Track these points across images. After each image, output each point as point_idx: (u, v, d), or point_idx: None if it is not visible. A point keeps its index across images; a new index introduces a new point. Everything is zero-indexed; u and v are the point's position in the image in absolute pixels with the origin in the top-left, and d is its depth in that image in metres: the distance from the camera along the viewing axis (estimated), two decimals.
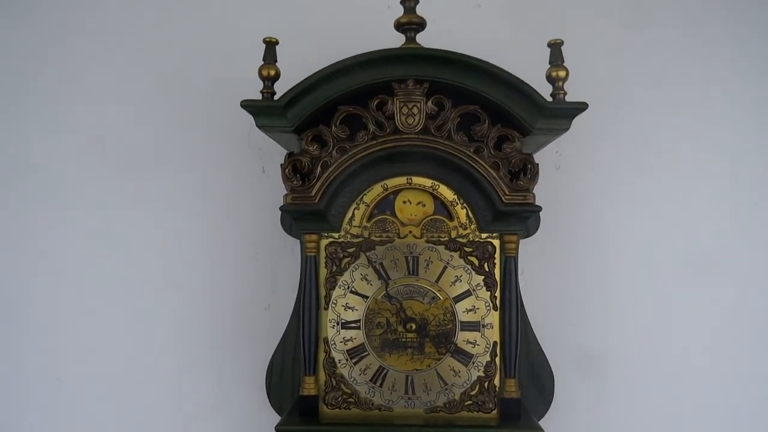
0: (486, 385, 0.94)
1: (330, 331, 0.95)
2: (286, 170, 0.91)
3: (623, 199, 1.19)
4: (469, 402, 0.94)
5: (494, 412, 0.94)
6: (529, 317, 1.09)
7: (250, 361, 1.18)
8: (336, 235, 0.95)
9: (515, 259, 0.94)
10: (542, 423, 1.10)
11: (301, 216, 0.93)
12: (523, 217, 0.92)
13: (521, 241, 1.08)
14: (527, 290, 1.13)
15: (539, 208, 0.91)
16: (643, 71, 1.21)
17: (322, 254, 0.95)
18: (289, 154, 0.93)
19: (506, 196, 0.91)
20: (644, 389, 1.17)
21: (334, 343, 0.94)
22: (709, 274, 1.17)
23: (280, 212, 1.09)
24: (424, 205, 0.96)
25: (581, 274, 1.19)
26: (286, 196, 0.93)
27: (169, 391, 1.19)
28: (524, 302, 1.10)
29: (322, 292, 0.95)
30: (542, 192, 1.10)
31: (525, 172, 0.92)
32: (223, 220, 1.21)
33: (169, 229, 1.21)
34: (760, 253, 1.18)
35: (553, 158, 1.20)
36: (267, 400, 1.09)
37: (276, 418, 0.97)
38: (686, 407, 1.16)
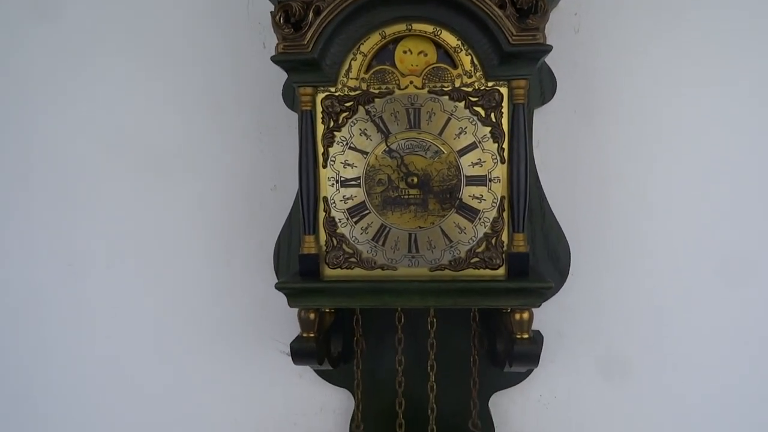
0: (493, 241, 0.90)
1: (329, 190, 0.91)
2: (277, 17, 0.86)
3: (647, 66, 1.09)
4: (476, 259, 0.90)
5: (502, 268, 0.90)
6: (545, 191, 1.04)
7: (257, 243, 1.15)
8: (332, 88, 0.90)
9: (524, 107, 0.87)
10: (557, 298, 1.06)
11: (294, 66, 0.88)
12: (532, 59, 0.85)
13: (536, 110, 1.02)
14: (544, 166, 1.07)
15: (549, 48, 0.84)
16: None
17: (318, 109, 0.90)
18: (280, 1, 0.87)
19: (513, 37, 0.84)
20: (663, 272, 1.10)
21: (334, 202, 0.91)
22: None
23: (282, 89, 1.05)
24: (425, 55, 0.90)
25: (601, 147, 1.11)
26: (277, 46, 0.87)
27: (177, 277, 1.18)
28: (541, 179, 1.04)
29: (320, 149, 0.91)
30: (559, 57, 1.03)
31: (535, 10, 0.84)
32: (225, 101, 1.17)
33: (170, 113, 1.18)
34: None
35: (571, 21, 1.11)
36: (275, 279, 1.07)
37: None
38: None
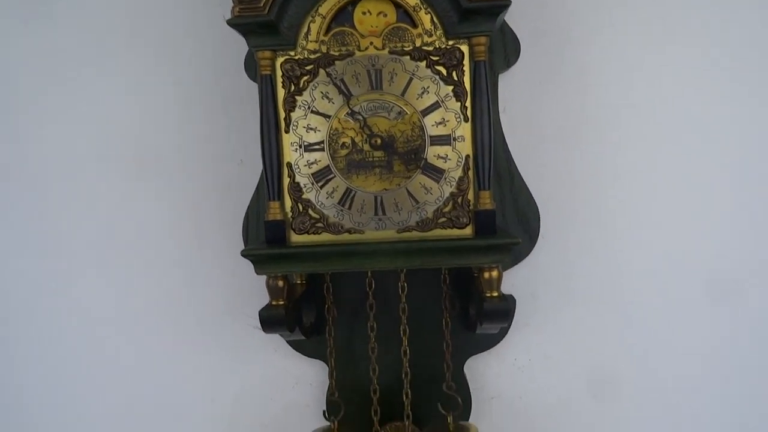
0: (459, 200, 0.90)
1: (293, 155, 0.90)
2: None
3: (615, 28, 1.09)
4: (443, 219, 0.90)
5: (469, 227, 0.90)
6: (513, 157, 1.04)
7: (227, 220, 1.14)
8: (292, 52, 0.89)
9: (485, 63, 0.87)
10: (529, 260, 1.07)
11: (251, 29, 0.86)
12: (491, 14, 0.85)
13: (500, 75, 1.02)
14: (511, 130, 1.07)
15: (508, 2, 0.84)
16: None
17: (278, 73, 0.89)
18: None
19: None
20: (631, 232, 1.11)
21: (298, 167, 0.90)
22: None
23: (243, 61, 1.04)
24: (385, 15, 0.89)
25: (567, 110, 1.11)
26: (233, 9, 0.86)
27: (145, 257, 1.16)
28: (508, 143, 1.04)
29: (282, 114, 0.90)
30: (523, 20, 1.03)
31: None
32: (186, 76, 1.15)
33: (131, 93, 1.15)
34: None
35: None
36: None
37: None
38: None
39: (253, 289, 1.08)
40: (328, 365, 1.04)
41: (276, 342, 1.10)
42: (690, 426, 1.10)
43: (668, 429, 1.11)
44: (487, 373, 1.13)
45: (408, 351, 0.99)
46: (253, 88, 1.06)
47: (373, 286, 0.98)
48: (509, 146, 1.04)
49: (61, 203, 1.15)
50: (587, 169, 1.11)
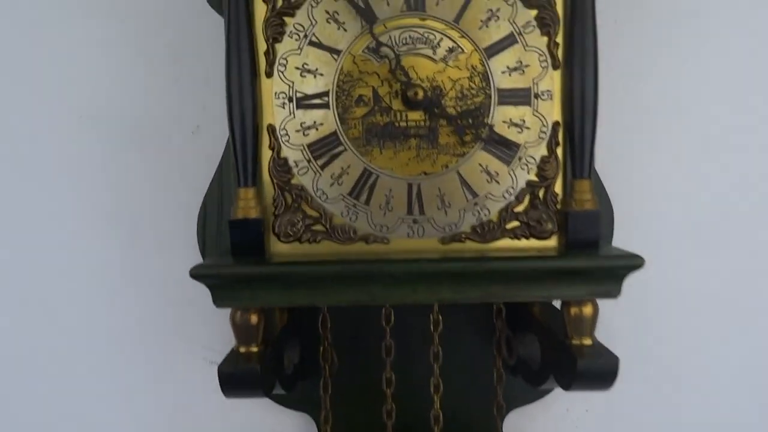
0: (541, 194, 0.57)
1: (278, 113, 0.55)
2: None
3: None
4: (514, 223, 0.57)
5: (554, 237, 0.56)
6: None
7: (175, 211, 0.79)
8: None
9: None
10: None
11: None
12: None
13: None
14: None
15: None
16: None
17: None
18: None
19: None
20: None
21: (286, 134, 0.55)
22: None
23: None
24: None
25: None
26: None
27: (66, 262, 0.80)
28: None
29: (261, 45, 0.55)
30: None
31: None
32: (119, 7, 0.78)
33: (48, 24, 0.78)
34: None
35: None
36: (201, 258, 0.72)
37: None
38: None
39: (211, 309, 0.73)
40: (319, 430, 0.71)
41: None
42: None
43: None
44: (530, 427, 0.81)
45: (441, 416, 0.66)
46: (217, 24, 0.71)
47: (392, 320, 0.65)
48: None
49: None
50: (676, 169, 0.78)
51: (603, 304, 0.57)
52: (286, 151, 0.56)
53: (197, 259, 0.71)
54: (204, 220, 0.72)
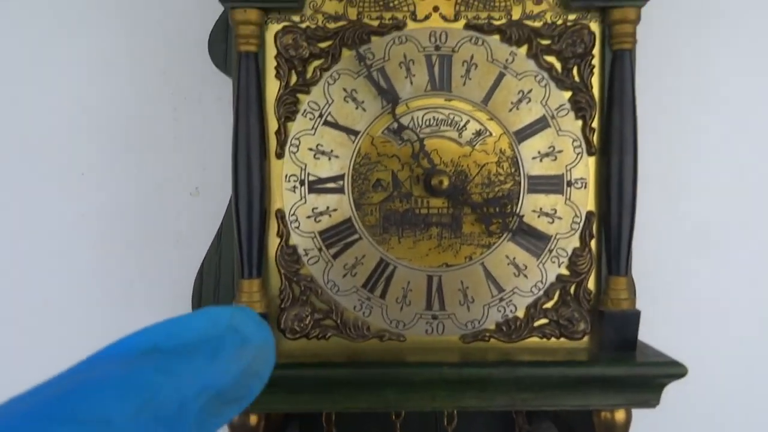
0: (572, 290, 0.52)
1: (288, 198, 0.50)
2: None
3: None
4: (543, 321, 0.52)
5: (587, 337, 0.51)
6: None
7: (170, 280, 0.74)
8: (296, 16, 0.50)
9: (631, 55, 0.50)
10: None
11: None
12: None
13: None
14: None
15: None
16: None
17: (271, 52, 0.50)
18: None
19: None
20: None
21: (296, 219, 0.50)
22: None
23: (208, 40, 0.63)
24: None
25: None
26: None
27: (49, 330, 0.75)
28: None
29: (272, 123, 0.50)
30: None
31: None
32: (120, 60, 0.74)
33: (42, 77, 0.74)
34: None
35: None
36: None
37: None
38: None
39: None
40: None
41: None
42: None
43: None
44: None
45: None
46: (221, 82, 0.67)
47: (403, 413, 0.59)
48: None
49: None
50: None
51: None
52: (295, 239, 0.51)
53: None
54: (200, 289, 0.66)
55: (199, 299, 0.66)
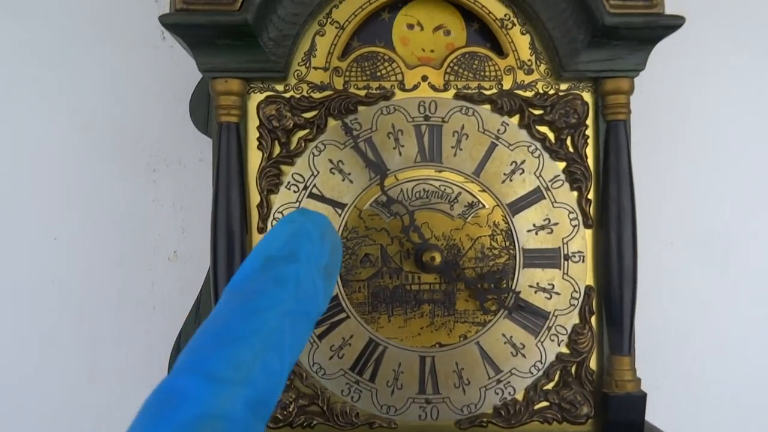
0: (574, 370, 0.49)
1: None
2: None
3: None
4: (544, 404, 0.48)
5: (590, 422, 0.48)
6: None
7: (145, 345, 0.70)
8: (279, 85, 0.48)
9: (626, 125, 0.48)
10: None
11: (206, 37, 0.45)
12: (644, 40, 0.47)
13: None
14: None
15: (680, 21, 0.46)
16: None
17: (253, 122, 0.48)
18: None
19: (612, 1, 0.45)
20: None
21: None
22: None
23: (189, 101, 0.61)
24: (448, 33, 0.50)
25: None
26: None
27: (41, 385, 0.70)
28: None
29: (254, 196, 0.48)
30: None
31: None
32: (100, 122, 0.72)
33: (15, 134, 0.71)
34: None
35: None
36: None
37: None
38: None
39: None
40: None
41: None
42: None
43: None
44: None
45: None
46: (201, 143, 0.65)
47: None
48: None
49: None
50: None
51: None
52: None
53: None
54: (177, 356, 0.62)
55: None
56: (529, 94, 0.50)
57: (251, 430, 0.26)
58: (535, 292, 0.49)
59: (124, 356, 0.70)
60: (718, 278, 0.68)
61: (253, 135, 0.48)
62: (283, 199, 0.48)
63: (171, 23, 0.44)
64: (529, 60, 0.50)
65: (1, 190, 0.70)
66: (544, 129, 0.50)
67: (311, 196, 0.48)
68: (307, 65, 0.49)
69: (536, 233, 0.49)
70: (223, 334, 0.28)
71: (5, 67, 0.70)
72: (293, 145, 0.48)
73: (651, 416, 0.49)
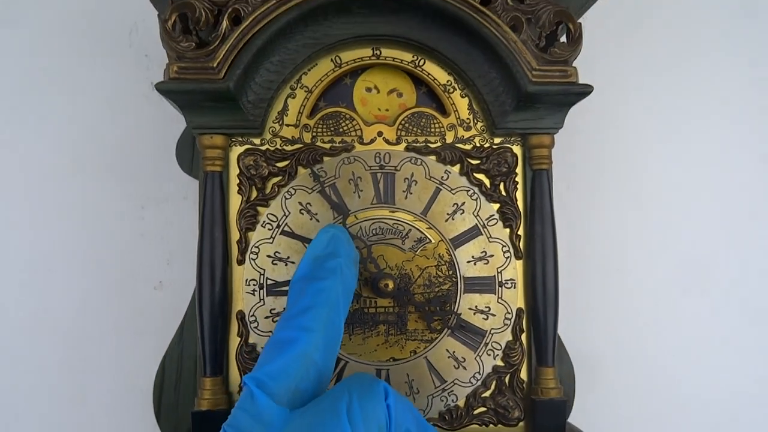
0: (507, 380, 0.57)
1: (248, 300, 0.56)
2: (169, 24, 0.53)
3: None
4: (481, 409, 0.57)
5: (521, 424, 0.57)
6: None
7: (131, 370, 0.76)
8: (257, 139, 0.57)
9: (548, 173, 0.58)
10: None
11: (195, 101, 0.54)
12: (563, 102, 0.57)
13: None
14: None
15: (588, 89, 0.56)
16: None
17: (233, 171, 0.56)
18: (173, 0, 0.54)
19: (534, 72, 0.55)
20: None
21: (255, 320, 0.56)
22: None
23: (176, 145, 0.70)
24: (400, 95, 0.60)
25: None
26: (169, 68, 0.53)
27: (28, 411, 0.76)
28: None
29: (234, 234, 0.56)
30: None
31: (569, 38, 0.57)
32: (92, 162, 0.79)
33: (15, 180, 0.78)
34: None
35: None
36: (156, 424, 0.68)
37: None
38: None
39: None
40: None
41: None
42: None
43: None
44: None
45: None
46: (186, 183, 0.73)
47: None
48: None
49: None
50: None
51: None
52: (254, 338, 0.56)
53: (151, 421, 0.68)
54: (161, 382, 0.69)
55: (160, 392, 0.69)
56: (468, 147, 0.59)
57: (324, 372, 0.43)
58: (474, 313, 0.58)
59: (112, 379, 0.76)
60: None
61: (233, 181, 0.57)
62: (259, 236, 0.57)
63: (165, 89, 0.53)
64: (468, 118, 0.59)
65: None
66: (480, 176, 0.59)
67: (283, 233, 0.57)
68: (281, 123, 0.58)
69: (475, 263, 0.58)
70: (306, 304, 0.44)
71: None
72: (268, 190, 0.57)
73: None
